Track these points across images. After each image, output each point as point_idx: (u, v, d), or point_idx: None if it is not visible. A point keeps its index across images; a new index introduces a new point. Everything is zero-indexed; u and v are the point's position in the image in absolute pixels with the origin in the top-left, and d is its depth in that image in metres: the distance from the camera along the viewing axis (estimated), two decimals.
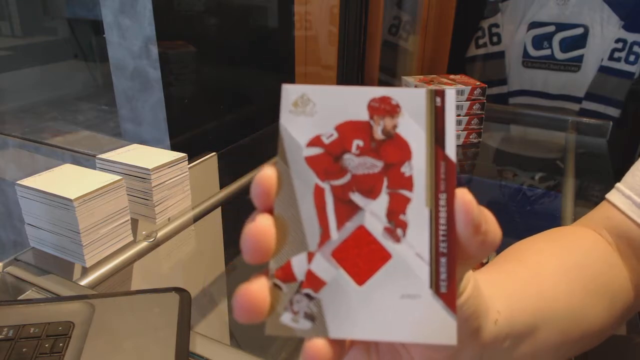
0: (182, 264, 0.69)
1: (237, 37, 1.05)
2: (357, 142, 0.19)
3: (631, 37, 1.15)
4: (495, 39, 1.32)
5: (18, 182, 0.57)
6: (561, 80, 1.26)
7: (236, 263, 0.76)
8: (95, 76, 1.54)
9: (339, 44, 1.35)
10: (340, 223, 0.19)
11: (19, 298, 0.53)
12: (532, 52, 1.28)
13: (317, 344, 0.19)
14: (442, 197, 0.19)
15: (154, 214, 0.66)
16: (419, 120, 0.19)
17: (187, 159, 0.70)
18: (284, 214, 0.20)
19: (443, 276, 0.19)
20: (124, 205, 0.60)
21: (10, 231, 1.18)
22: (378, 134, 0.20)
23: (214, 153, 0.95)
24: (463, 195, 0.19)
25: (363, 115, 0.20)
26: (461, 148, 1.04)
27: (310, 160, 0.20)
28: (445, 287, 0.19)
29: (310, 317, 0.19)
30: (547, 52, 1.26)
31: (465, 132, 1.03)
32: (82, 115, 1.28)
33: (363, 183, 0.19)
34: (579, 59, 1.23)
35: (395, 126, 0.19)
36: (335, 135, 0.20)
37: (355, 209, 0.19)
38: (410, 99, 0.20)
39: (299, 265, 0.19)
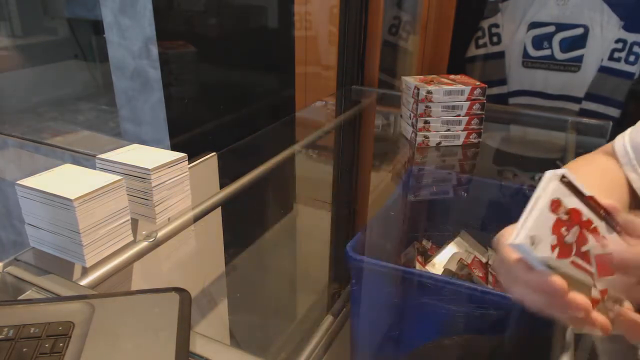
0: (182, 264, 0.69)
1: (237, 37, 1.05)
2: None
3: (631, 37, 1.15)
4: (495, 39, 1.32)
5: (18, 182, 0.57)
6: (561, 80, 1.26)
7: (236, 263, 0.76)
8: (95, 76, 1.54)
9: (339, 44, 1.35)
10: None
11: (19, 298, 0.53)
12: (532, 52, 1.28)
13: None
14: None
15: (154, 214, 0.66)
16: None
17: (187, 159, 0.70)
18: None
19: None
20: (124, 205, 0.60)
21: (10, 231, 1.18)
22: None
23: (214, 153, 0.95)
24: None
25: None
26: (461, 148, 1.05)
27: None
28: None
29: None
30: (547, 52, 1.26)
31: (465, 132, 1.03)
32: (82, 116, 1.28)
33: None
34: (579, 59, 1.23)
35: None
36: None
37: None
38: None
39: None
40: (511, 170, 1.03)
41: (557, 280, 0.29)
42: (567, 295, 0.30)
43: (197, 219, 0.73)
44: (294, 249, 0.99)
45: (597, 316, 0.31)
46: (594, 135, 1.13)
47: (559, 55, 1.24)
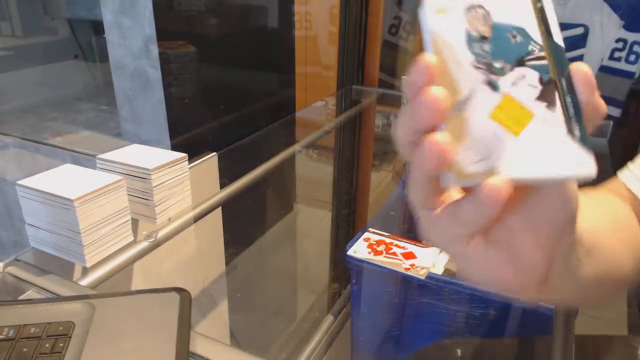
0: (182, 264, 0.69)
1: (238, 37, 1.05)
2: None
3: (631, 36, 1.15)
4: None
5: (18, 182, 0.57)
6: None
7: (236, 263, 0.76)
8: (96, 76, 1.54)
9: (339, 43, 1.35)
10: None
11: (20, 298, 0.53)
12: None
13: (495, 182, 0.22)
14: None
15: (154, 214, 0.66)
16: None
17: (187, 159, 0.70)
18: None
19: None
20: (124, 206, 0.60)
21: (11, 231, 1.18)
22: None
23: (214, 153, 0.95)
24: (579, 65, 0.24)
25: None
26: None
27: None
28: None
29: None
30: None
31: None
32: (82, 116, 1.28)
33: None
34: (579, 58, 1.22)
35: None
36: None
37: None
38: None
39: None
40: None
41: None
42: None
43: (197, 219, 0.73)
44: (294, 249, 0.99)
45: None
46: (594, 135, 1.12)
47: None
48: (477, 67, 0.24)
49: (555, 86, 0.24)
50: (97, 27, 1.46)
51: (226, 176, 0.89)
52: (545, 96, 0.24)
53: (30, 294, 0.54)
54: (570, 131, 0.24)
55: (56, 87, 1.47)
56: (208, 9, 0.95)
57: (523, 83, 0.24)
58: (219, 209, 0.79)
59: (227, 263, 0.75)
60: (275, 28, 1.19)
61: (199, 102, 0.96)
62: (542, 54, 0.25)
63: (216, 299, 0.68)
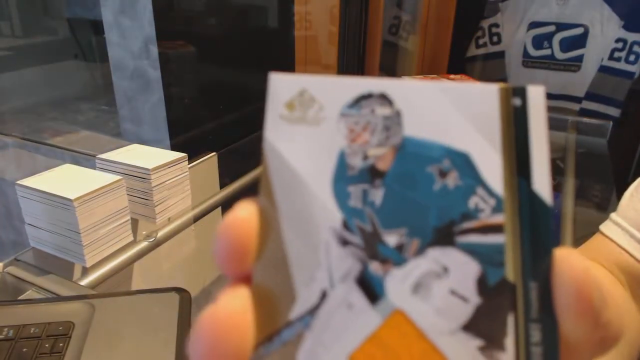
0: (182, 264, 0.69)
1: (237, 37, 1.05)
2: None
3: (631, 36, 1.15)
4: (495, 38, 1.32)
5: (18, 182, 0.57)
6: (561, 80, 1.26)
7: None
8: (95, 76, 1.54)
9: (339, 43, 1.35)
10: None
11: (19, 298, 0.53)
12: (532, 52, 1.28)
13: None
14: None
15: (154, 214, 0.66)
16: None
17: (187, 159, 0.70)
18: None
19: None
20: (124, 205, 0.60)
21: (10, 231, 1.18)
22: None
23: (214, 153, 0.95)
24: (570, 263, 0.12)
25: None
26: None
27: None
28: None
29: None
30: (547, 52, 1.26)
31: None
32: (82, 116, 1.28)
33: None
34: (579, 58, 1.22)
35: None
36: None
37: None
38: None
39: None
40: None
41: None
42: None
43: (197, 219, 0.73)
44: None
45: None
46: (594, 135, 1.13)
47: (559, 54, 1.24)
48: (345, 241, 0.12)
49: (512, 301, 0.12)
50: (97, 27, 1.46)
51: (226, 176, 0.89)
52: (484, 323, 0.12)
53: (30, 294, 0.54)
54: None
55: (56, 87, 1.47)
56: (208, 9, 0.95)
57: (439, 288, 0.12)
58: (219, 209, 0.79)
59: None
60: (275, 28, 1.18)
61: (199, 102, 0.96)
62: (498, 219, 0.12)
63: (216, 298, 0.67)
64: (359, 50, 1.39)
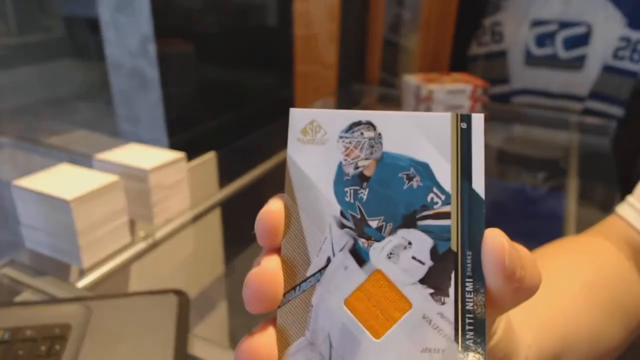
0: (180, 266, 0.69)
1: (236, 36, 1.05)
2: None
3: (635, 35, 1.14)
4: (497, 37, 1.31)
5: (14, 182, 0.57)
6: (564, 79, 1.25)
7: (236, 264, 0.75)
8: (92, 75, 1.53)
9: (339, 42, 1.34)
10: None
11: (15, 300, 0.53)
12: (535, 50, 1.27)
13: None
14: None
15: (152, 215, 0.65)
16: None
17: (185, 158, 0.69)
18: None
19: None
20: (121, 206, 0.60)
21: (6, 232, 1.18)
22: None
23: (213, 153, 0.95)
24: (492, 238, 0.17)
25: None
26: None
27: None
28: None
29: None
30: (550, 50, 1.25)
31: None
32: (79, 115, 1.27)
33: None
34: (582, 57, 1.22)
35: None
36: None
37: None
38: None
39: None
40: (513, 170, 1.03)
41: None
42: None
43: (195, 219, 0.73)
44: None
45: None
46: (598, 135, 1.12)
47: (562, 53, 1.24)
48: (343, 225, 0.18)
49: (454, 263, 0.17)
50: (94, 26, 1.45)
51: (225, 176, 0.88)
52: (435, 278, 0.17)
53: (26, 295, 0.53)
54: (461, 341, 0.17)
55: (52, 86, 1.46)
56: (206, 7, 0.95)
57: (405, 255, 0.17)
58: (218, 210, 0.78)
59: (226, 264, 0.74)
60: (275, 26, 1.18)
61: (198, 101, 0.95)
62: (447, 208, 0.17)
63: (215, 300, 0.67)
64: (360, 49, 1.39)
